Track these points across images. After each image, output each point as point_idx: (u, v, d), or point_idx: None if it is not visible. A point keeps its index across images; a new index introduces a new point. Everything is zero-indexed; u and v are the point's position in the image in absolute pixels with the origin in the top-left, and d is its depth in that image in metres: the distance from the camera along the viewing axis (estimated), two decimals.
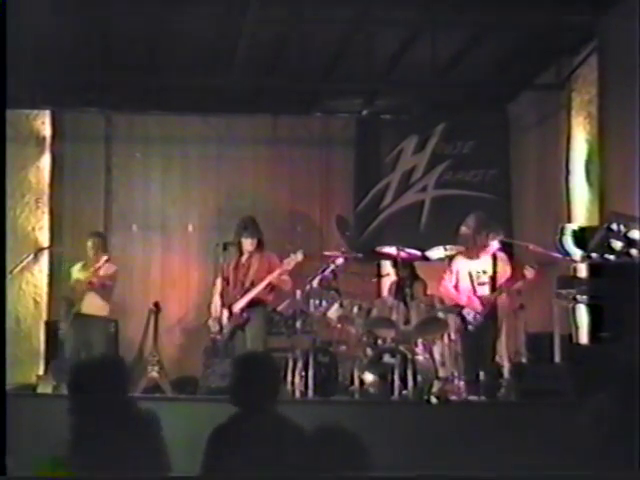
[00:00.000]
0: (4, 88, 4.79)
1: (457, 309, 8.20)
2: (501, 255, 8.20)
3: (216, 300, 8.40)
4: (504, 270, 8.11)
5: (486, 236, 8.09)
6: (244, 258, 8.37)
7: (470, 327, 8.07)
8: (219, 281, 8.40)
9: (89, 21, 8.79)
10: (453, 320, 8.29)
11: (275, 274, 8.23)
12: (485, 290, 8.10)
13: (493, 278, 8.07)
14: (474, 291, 8.13)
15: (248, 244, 8.33)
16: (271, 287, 8.37)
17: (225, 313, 8.28)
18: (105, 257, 8.91)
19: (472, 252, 8.21)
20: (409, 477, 3.63)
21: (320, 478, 2.87)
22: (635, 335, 5.79)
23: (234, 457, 4.10)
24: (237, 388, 4.40)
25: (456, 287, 8.23)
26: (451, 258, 8.61)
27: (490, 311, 8.03)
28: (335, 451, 2.92)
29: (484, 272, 8.14)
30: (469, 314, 8.08)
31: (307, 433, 3.90)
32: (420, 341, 8.75)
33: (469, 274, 8.18)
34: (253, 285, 8.27)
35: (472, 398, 7.89)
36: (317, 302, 8.87)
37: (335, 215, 11.17)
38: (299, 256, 8.21)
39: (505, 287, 8.09)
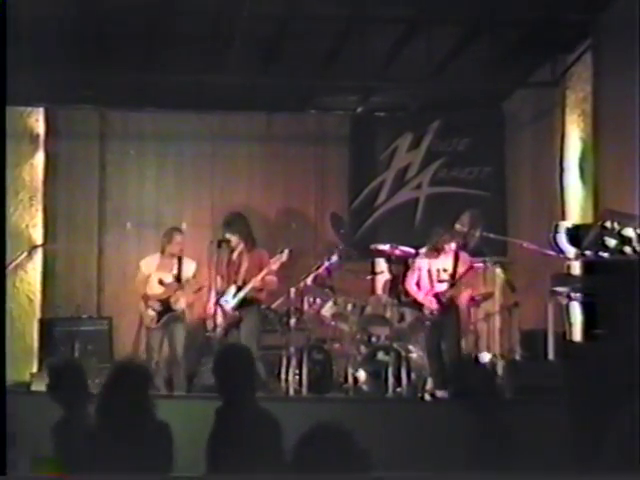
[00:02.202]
0: (4, 86, 4.77)
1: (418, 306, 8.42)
2: (462, 254, 8.38)
3: (210, 297, 8.40)
4: (462, 269, 8.31)
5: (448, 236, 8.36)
6: (235, 255, 8.37)
7: (427, 323, 8.28)
8: (212, 278, 8.39)
9: (84, 17, 8.76)
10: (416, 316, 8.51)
11: (260, 276, 8.25)
12: (442, 287, 8.27)
13: (453, 276, 8.27)
14: (432, 288, 8.31)
15: (233, 241, 8.34)
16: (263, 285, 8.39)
17: (219, 310, 8.27)
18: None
19: (433, 251, 8.38)
20: (409, 477, 3.63)
21: (320, 478, 2.86)
22: (630, 333, 5.77)
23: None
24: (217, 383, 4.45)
25: (417, 284, 8.41)
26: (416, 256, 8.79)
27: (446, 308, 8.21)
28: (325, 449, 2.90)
29: (444, 270, 8.29)
30: (426, 310, 8.27)
31: (286, 428, 3.91)
32: (414, 339, 8.78)
33: (429, 272, 8.35)
34: (245, 283, 8.27)
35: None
36: (311, 300, 8.88)
37: (330, 213, 11.16)
38: (284, 256, 8.23)
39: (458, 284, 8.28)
